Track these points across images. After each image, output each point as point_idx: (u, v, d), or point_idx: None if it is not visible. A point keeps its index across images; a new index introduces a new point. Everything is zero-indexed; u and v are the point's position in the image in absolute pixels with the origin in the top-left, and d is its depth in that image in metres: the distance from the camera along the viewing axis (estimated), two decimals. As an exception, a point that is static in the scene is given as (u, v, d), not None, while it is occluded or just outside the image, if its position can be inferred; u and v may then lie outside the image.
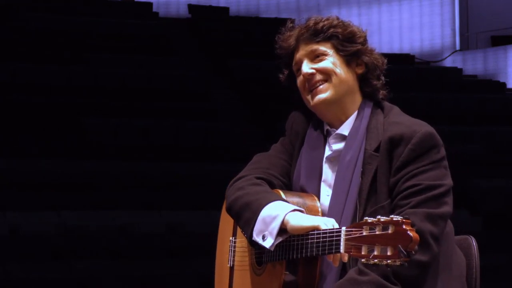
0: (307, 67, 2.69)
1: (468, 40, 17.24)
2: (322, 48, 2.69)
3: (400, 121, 2.62)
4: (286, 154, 2.81)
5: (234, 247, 2.85)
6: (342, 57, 2.69)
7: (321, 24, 2.70)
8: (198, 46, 14.81)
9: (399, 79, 13.45)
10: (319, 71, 2.68)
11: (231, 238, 2.87)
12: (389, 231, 2.20)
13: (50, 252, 8.30)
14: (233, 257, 2.85)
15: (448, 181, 2.56)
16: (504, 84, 15.16)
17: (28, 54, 12.09)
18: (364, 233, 2.25)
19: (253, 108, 12.61)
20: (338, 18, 2.75)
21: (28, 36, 12.81)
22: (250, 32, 15.01)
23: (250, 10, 17.66)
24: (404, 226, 2.18)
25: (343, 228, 2.36)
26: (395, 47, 17.14)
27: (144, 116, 11.10)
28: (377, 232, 2.22)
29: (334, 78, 2.68)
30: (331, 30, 2.69)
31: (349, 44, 2.69)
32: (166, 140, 10.72)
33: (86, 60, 12.25)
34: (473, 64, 16.63)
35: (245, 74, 13.27)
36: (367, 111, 2.68)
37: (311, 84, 2.69)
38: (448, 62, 16.99)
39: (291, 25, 2.77)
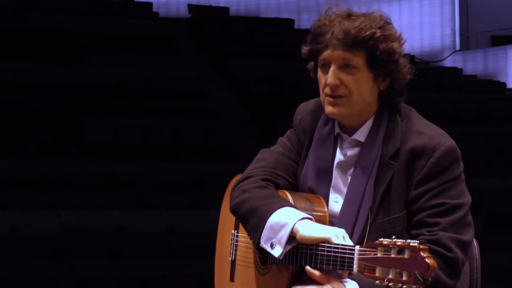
0: (333, 75, 2.55)
1: (468, 40, 17.24)
2: (355, 60, 2.53)
3: (421, 131, 2.54)
4: (293, 152, 2.72)
5: (237, 241, 2.80)
6: (371, 74, 2.56)
7: (362, 34, 2.51)
8: (198, 46, 14.81)
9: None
10: (344, 83, 2.55)
11: (232, 231, 2.82)
12: (405, 256, 2.16)
13: (50, 252, 8.29)
14: (235, 251, 2.80)
15: (468, 198, 2.58)
16: (504, 84, 15.16)
17: (28, 54, 12.09)
18: (379, 255, 2.21)
19: (253, 108, 12.60)
20: (381, 19, 2.56)
21: (28, 36, 12.81)
22: (250, 32, 15.00)
23: (250, 10, 17.66)
24: (421, 253, 2.14)
25: (357, 247, 2.30)
26: (395, 47, 17.12)
27: (144, 116, 11.09)
28: (392, 255, 2.18)
29: (356, 96, 2.54)
30: (371, 43, 2.53)
31: (384, 62, 2.54)
32: (166, 140, 10.71)
33: (86, 60, 12.25)
34: (473, 64, 16.63)
35: (245, 74, 13.26)
36: (385, 117, 2.59)
37: (332, 93, 2.56)
38: (448, 62, 16.99)
39: (333, 14, 2.59)
